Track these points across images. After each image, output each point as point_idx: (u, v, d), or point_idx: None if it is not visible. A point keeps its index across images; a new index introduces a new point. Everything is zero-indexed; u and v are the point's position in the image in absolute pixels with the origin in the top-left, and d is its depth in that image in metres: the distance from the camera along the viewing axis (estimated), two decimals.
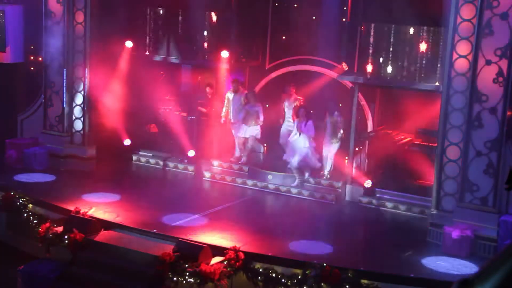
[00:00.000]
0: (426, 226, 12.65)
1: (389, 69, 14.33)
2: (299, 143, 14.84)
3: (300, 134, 14.83)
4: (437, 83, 13.44)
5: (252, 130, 15.86)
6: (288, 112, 15.98)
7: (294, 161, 14.83)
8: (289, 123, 15.81)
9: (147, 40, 17.20)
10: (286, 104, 16.04)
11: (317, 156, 15.01)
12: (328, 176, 14.94)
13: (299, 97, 16.06)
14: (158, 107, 17.55)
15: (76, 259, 11.88)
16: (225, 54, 16.07)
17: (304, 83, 16.68)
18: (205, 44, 16.70)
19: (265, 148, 17.21)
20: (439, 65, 13.45)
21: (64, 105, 16.02)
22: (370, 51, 14.61)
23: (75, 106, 16.06)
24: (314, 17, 16.45)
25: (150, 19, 17.16)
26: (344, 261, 11.18)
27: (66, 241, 12.08)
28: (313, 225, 12.92)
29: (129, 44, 16.63)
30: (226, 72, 16.54)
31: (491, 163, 11.87)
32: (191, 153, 16.14)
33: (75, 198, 13.72)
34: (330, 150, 14.86)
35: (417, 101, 15.16)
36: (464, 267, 11.22)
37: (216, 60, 16.42)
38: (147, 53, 17.18)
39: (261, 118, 15.82)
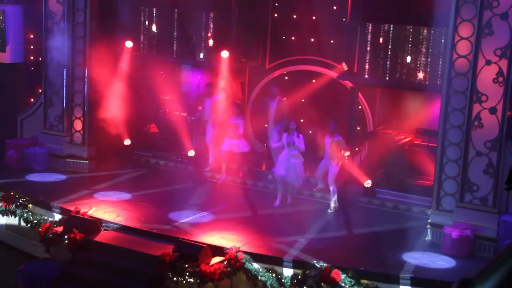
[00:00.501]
0: (426, 226, 12.65)
1: (389, 69, 14.33)
2: (290, 158, 13.92)
3: (290, 147, 13.89)
4: (438, 83, 13.44)
5: (236, 145, 15.25)
6: (271, 116, 15.81)
7: (291, 180, 14.05)
8: (274, 127, 15.61)
9: (147, 40, 17.20)
10: (271, 106, 15.89)
11: (304, 176, 14.24)
12: (335, 206, 14.02)
13: (284, 97, 15.93)
14: (158, 107, 17.58)
15: (76, 259, 11.88)
16: (225, 54, 16.07)
17: (304, 83, 16.69)
18: (205, 44, 16.69)
19: (265, 148, 17.21)
20: (440, 64, 13.45)
21: (64, 105, 16.01)
22: (370, 51, 14.62)
23: (75, 106, 16.05)
24: (314, 17, 16.45)
25: (150, 19, 17.18)
26: (344, 261, 11.19)
27: (66, 241, 12.08)
28: (313, 225, 12.90)
29: (129, 44, 16.63)
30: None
31: (491, 163, 11.87)
32: (191, 153, 16.13)
33: (80, 198, 13.84)
34: (331, 171, 13.90)
35: (417, 101, 15.19)
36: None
37: (216, 60, 16.42)
38: (147, 53, 17.18)
39: (241, 131, 15.30)
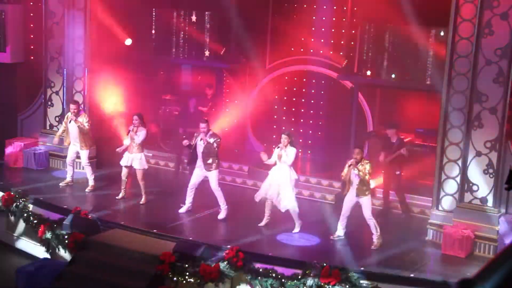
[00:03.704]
0: (426, 226, 12.64)
1: (389, 69, 14.32)
2: (282, 175, 12.29)
3: (281, 162, 12.29)
4: (438, 82, 13.43)
5: (138, 161, 13.62)
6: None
7: (289, 201, 12.24)
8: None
9: (147, 40, 17.19)
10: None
11: (292, 200, 12.29)
12: (376, 245, 11.93)
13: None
14: (158, 107, 17.58)
15: (76, 259, 11.88)
16: (225, 54, 16.06)
17: (304, 83, 16.68)
18: (205, 44, 16.69)
19: (264, 147, 17.19)
20: (440, 64, 13.44)
21: (64, 105, 16.00)
22: (370, 51, 14.62)
23: None
24: (314, 17, 16.44)
25: (150, 19, 17.18)
26: (344, 261, 11.18)
27: (66, 241, 12.09)
28: (313, 225, 12.90)
29: (129, 43, 16.63)
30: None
31: (491, 163, 11.87)
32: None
33: (80, 197, 13.93)
34: (364, 203, 12.03)
35: (417, 101, 15.19)
36: None
37: (216, 60, 16.39)
38: (147, 52, 17.17)
39: (138, 140, 13.46)
